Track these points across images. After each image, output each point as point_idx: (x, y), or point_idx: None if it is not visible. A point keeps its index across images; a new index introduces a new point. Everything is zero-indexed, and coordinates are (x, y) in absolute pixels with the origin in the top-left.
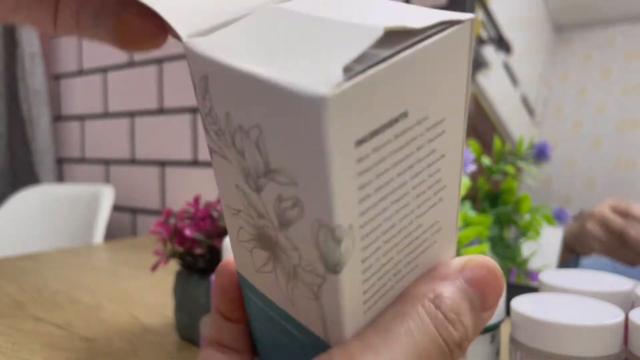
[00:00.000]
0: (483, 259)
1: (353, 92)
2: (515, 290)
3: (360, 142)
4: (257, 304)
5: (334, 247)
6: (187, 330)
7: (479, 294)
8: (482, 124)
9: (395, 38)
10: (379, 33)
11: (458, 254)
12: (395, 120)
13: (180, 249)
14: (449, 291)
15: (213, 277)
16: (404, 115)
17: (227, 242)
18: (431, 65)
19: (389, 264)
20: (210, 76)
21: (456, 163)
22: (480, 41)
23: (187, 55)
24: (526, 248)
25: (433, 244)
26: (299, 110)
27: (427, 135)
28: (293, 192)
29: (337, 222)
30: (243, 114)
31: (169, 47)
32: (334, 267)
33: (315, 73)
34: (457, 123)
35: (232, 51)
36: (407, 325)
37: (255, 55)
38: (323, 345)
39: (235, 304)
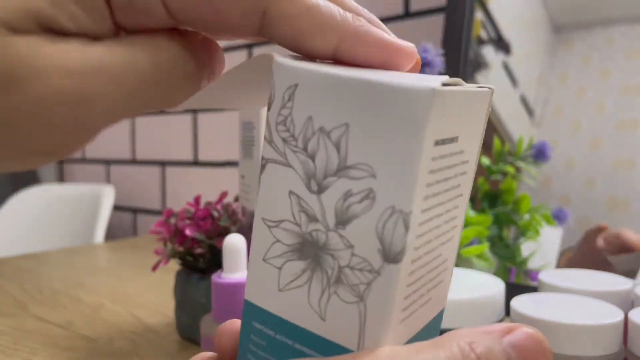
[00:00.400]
0: (532, 329)
1: (447, 98)
2: (514, 289)
3: (437, 143)
4: (264, 334)
5: (402, 234)
6: (187, 329)
7: None
8: None
9: None
10: (445, 78)
11: (457, 253)
12: (451, 140)
13: (180, 248)
14: (487, 343)
15: (213, 276)
16: (456, 139)
17: (227, 242)
18: (474, 109)
19: (420, 281)
20: (300, 84)
21: (464, 210)
22: (480, 41)
23: (275, 69)
24: (525, 248)
25: (440, 283)
26: (408, 103)
27: (459, 169)
28: (367, 184)
29: (411, 209)
30: (329, 115)
31: None
32: (395, 256)
33: (415, 82)
34: (472, 171)
35: (323, 67)
36: (437, 352)
37: (347, 70)
38: None
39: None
